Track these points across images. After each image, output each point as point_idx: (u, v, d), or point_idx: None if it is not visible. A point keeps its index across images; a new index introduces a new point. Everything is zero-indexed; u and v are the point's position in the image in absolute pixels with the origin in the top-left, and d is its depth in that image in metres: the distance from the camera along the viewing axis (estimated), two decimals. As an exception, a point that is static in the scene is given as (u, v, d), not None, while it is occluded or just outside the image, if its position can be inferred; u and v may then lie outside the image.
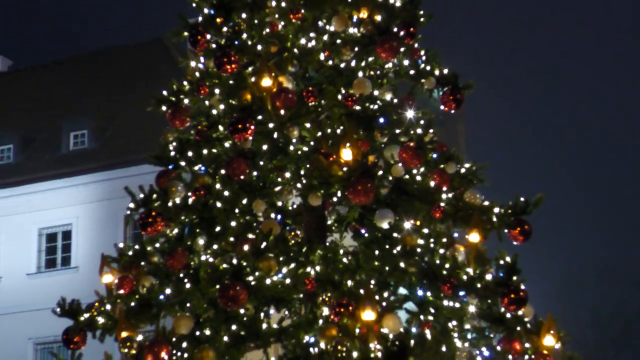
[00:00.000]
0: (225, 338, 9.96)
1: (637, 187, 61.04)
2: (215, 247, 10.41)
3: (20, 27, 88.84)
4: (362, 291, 9.59)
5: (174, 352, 9.85)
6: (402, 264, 10.14)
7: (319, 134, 10.60)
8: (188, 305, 10.12)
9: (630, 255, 54.23)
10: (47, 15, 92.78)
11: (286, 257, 10.22)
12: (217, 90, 11.08)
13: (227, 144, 10.69)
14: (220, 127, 10.87)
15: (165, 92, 11.25)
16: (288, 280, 9.93)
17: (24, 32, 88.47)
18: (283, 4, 11.09)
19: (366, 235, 10.81)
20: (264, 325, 10.16)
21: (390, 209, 10.27)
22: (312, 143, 10.59)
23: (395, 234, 10.34)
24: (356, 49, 10.96)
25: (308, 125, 10.69)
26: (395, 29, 10.75)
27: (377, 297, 9.61)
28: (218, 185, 10.52)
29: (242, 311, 9.89)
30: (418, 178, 10.45)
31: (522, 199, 10.55)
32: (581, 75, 74.53)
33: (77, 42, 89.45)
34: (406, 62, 11.13)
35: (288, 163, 10.65)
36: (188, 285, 10.16)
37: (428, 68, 11.07)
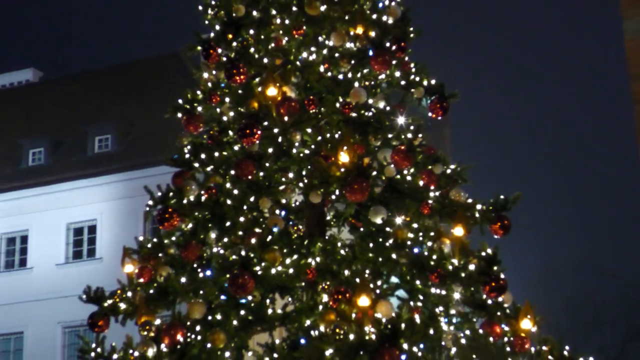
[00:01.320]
0: (235, 322, 9.96)
1: (606, 187, 61.05)
2: (225, 240, 10.41)
3: (50, 42, 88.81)
4: (357, 280, 9.59)
5: (189, 334, 9.86)
6: (394, 256, 10.16)
7: (319, 138, 10.61)
8: (201, 292, 10.13)
9: (598, 248, 54.35)
10: (74, 31, 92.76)
11: (289, 249, 10.23)
12: (227, 99, 11.09)
13: (236, 147, 10.70)
14: (230, 132, 10.88)
15: (180, 101, 11.24)
16: (291, 270, 9.95)
17: (54, 47, 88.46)
18: (287, 22, 11.10)
19: (361, 229, 10.83)
20: (270, 311, 10.16)
21: (383, 205, 10.28)
22: (312, 146, 10.60)
23: (387, 228, 10.37)
24: (352, 61, 10.96)
25: (309, 130, 10.71)
26: (387, 44, 10.76)
27: (371, 285, 9.60)
28: (228, 185, 10.52)
29: (249, 298, 9.91)
30: (408, 178, 10.47)
31: (501, 197, 10.56)
32: (553, 77, 74.46)
33: (102, 55, 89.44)
34: (397, 74, 11.13)
35: (291, 164, 10.66)
36: (201, 275, 10.18)
37: (417, 79, 11.07)
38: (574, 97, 72.70)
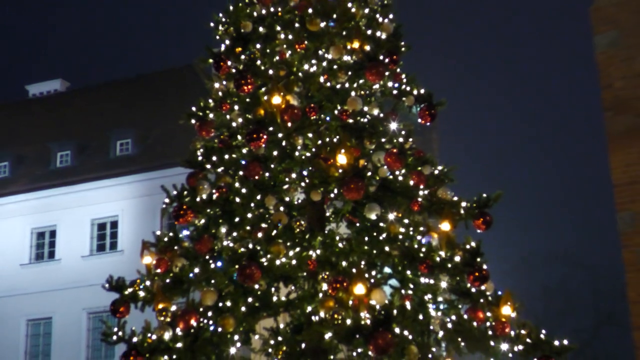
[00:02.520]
0: (243, 308, 9.93)
1: (578, 185, 61.13)
2: (234, 234, 10.40)
3: (76, 55, 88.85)
4: (354, 270, 9.58)
5: (201, 319, 9.86)
6: (387, 248, 10.15)
7: (319, 142, 10.59)
8: (212, 281, 10.11)
9: (571, 241, 54.39)
10: (99, 46, 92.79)
11: (292, 242, 10.22)
12: (236, 107, 11.09)
13: (244, 150, 10.68)
14: (239, 137, 10.87)
15: (194, 108, 11.23)
16: (294, 262, 9.93)
17: (80, 60, 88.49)
18: (290, 37, 11.09)
19: (358, 224, 10.81)
20: (274, 298, 10.15)
21: (377, 203, 10.27)
22: (313, 149, 10.60)
23: (381, 224, 10.36)
24: (349, 73, 10.97)
25: (310, 135, 10.70)
26: (381, 57, 10.75)
27: (366, 275, 9.60)
28: (237, 184, 10.50)
29: (256, 286, 9.88)
30: (400, 178, 10.45)
31: (484, 195, 10.57)
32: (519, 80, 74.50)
33: (123, 67, 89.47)
34: (390, 84, 11.13)
35: (294, 166, 10.65)
36: (212, 265, 10.16)
37: (408, 88, 11.07)
38: (550, 103, 72.74)
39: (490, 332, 9.89)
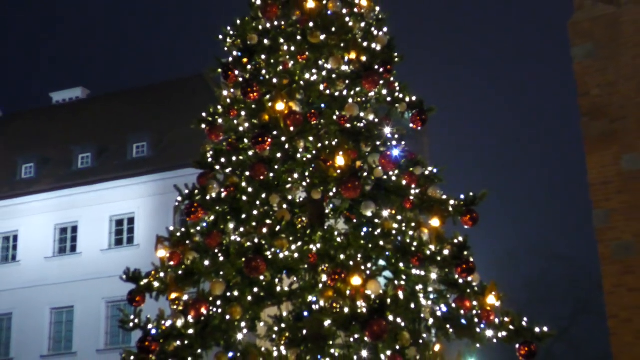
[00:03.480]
0: (249, 298, 9.92)
1: (557, 183, 61.18)
2: (241, 229, 10.39)
3: (96, 65, 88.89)
4: (351, 263, 9.57)
5: (211, 308, 9.85)
6: (381, 243, 10.13)
7: (319, 145, 10.58)
8: (221, 273, 10.10)
9: (551, 235, 54.43)
10: (117, 56, 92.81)
11: (294, 237, 10.20)
12: (243, 113, 11.07)
13: (250, 153, 10.67)
14: (245, 140, 10.85)
15: (204, 114, 11.22)
16: (296, 255, 9.92)
17: (100, 69, 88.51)
18: (292, 48, 11.07)
19: (354, 221, 10.80)
20: (278, 288, 10.13)
21: (373, 201, 10.26)
22: (314, 152, 10.57)
23: (376, 220, 10.35)
24: (347, 81, 10.95)
25: (311, 138, 10.68)
26: (376, 67, 10.74)
27: (362, 267, 9.59)
28: (244, 184, 10.50)
29: (261, 278, 9.87)
30: (393, 178, 10.45)
31: (471, 194, 10.56)
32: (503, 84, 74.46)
33: (139, 75, 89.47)
34: (384, 92, 11.11)
35: (296, 167, 10.64)
36: (221, 258, 10.15)
37: (401, 96, 11.05)
38: (534, 109, 72.72)
39: (476, 320, 9.89)
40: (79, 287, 29.01)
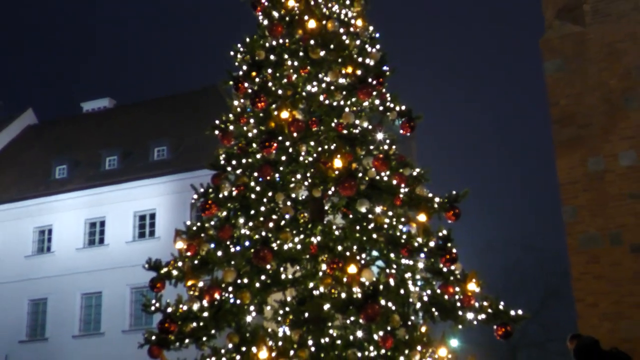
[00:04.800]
0: (257, 284, 9.93)
1: (530, 181, 61.18)
2: (250, 224, 10.39)
3: (122, 77, 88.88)
4: (348, 253, 9.57)
5: (223, 293, 9.84)
6: (374, 235, 10.12)
7: (319, 149, 10.58)
8: (232, 262, 10.11)
9: (524, 228, 54.42)
10: (140, 69, 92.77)
11: (297, 231, 10.20)
12: (251, 120, 11.06)
13: (258, 156, 10.67)
14: (254, 145, 10.85)
15: (217, 122, 11.22)
16: (299, 246, 9.92)
17: (125, 81, 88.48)
18: (295, 63, 11.07)
19: (351, 216, 10.78)
20: (283, 276, 10.14)
21: (367, 198, 10.25)
22: (314, 155, 10.57)
23: (370, 215, 10.34)
24: (344, 92, 10.94)
25: (312, 143, 10.67)
26: (370, 80, 10.73)
27: (358, 258, 9.58)
28: (252, 183, 10.50)
29: (268, 267, 9.87)
30: (385, 178, 10.43)
31: (454, 192, 10.55)
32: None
33: (160, 87, 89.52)
34: (377, 102, 11.10)
35: (299, 168, 10.63)
36: (232, 249, 10.15)
37: (392, 105, 11.04)
38: (510, 116, 72.59)
39: (458, 304, 9.88)
40: (107, 274, 29.00)
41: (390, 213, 10.44)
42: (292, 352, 9.22)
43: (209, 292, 9.80)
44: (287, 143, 10.44)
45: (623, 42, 14.92)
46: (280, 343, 9.41)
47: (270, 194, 10.41)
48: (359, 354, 9.27)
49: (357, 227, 10.28)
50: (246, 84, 10.98)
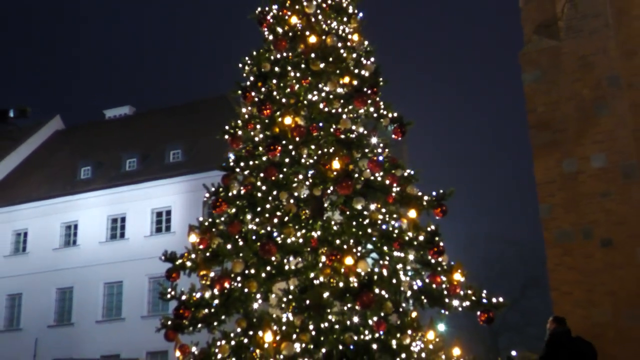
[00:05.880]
0: (263, 275, 9.92)
1: (510, 180, 61.14)
2: (257, 220, 10.37)
3: (141, 87, 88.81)
4: (345, 246, 9.57)
5: (232, 283, 9.84)
6: (369, 230, 10.11)
7: (319, 152, 10.57)
8: (240, 254, 10.10)
9: (506, 223, 54.43)
10: (157, 80, 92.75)
11: (299, 226, 10.18)
12: (258, 126, 11.05)
13: (264, 158, 10.66)
14: (260, 148, 10.84)
15: (227, 127, 11.21)
16: (301, 240, 9.90)
17: (144, 90, 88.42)
18: (298, 74, 11.07)
19: (348, 213, 10.77)
20: (286, 267, 10.14)
21: (362, 197, 10.25)
22: (315, 157, 10.56)
23: (365, 212, 10.32)
24: (342, 101, 10.94)
25: (313, 146, 10.66)
26: (365, 89, 10.73)
27: (354, 250, 9.58)
28: (259, 183, 10.48)
29: (273, 259, 9.87)
30: (379, 178, 10.43)
31: (441, 191, 10.54)
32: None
33: (175, 95, 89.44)
34: (372, 109, 11.09)
35: (301, 169, 10.62)
36: (241, 243, 10.14)
37: (385, 112, 11.03)
38: (492, 122, 72.63)
39: (445, 292, 9.88)
40: (127, 266, 29.01)
41: (383, 210, 10.43)
42: (294, 336, 9.22)
43: (219, 282, 9.80)
44: (290, 146, 10.44)
45: (594, 55, 14.94)
46: (284, 327, 9.40)
47: (275, 192, 10.40)
48: (355, 338, 9.26)
49: (354, 223, 10.27)
50: (253, 93, 10.98)
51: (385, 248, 10.26)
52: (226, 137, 11.15)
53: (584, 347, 9.08)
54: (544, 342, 9.35)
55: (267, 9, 11.60)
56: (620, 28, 15.40)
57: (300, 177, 10.57)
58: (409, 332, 9.48)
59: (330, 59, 10.94)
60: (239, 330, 9.80)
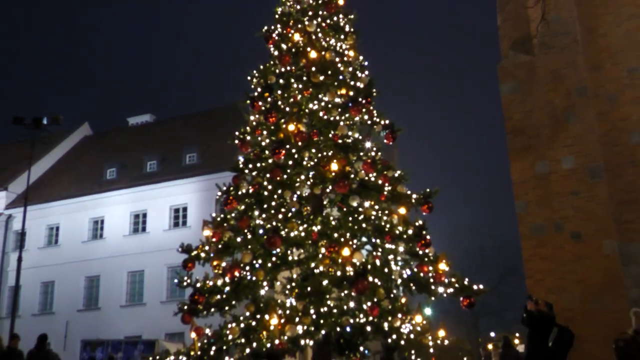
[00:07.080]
0: (269, 264, 9.92)
1: (491, 180, 61.17)
2: (264, 216, 10.38)
3: (161, 96, 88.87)
4: (342, 239, 9.57)
5: (242, 272, 9.84)
6: (364, 225, 10.11)
7: (319, 155, 10.57)
8: (249, 247, 10.10)
9: (486, 218, 54.49)
10: (175, 91, 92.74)
11: (301, 221, 10.20)
12: (264, 132, 11.06)
13: (270, 161, 10.66)
14: (266, 152, 10.85)
15: (237, 133, 11.22)
16: (303, 234, 9.91)
17: (163, 99, 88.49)
18: (300, 86, 11.07)
19: (344, 209, 10.78)
20: (290, 258, 10.14)
21: (358, 195, 10.25)
22: (315, 160, 10.57)
23: (360, 209, 10.32)
24: (339, 109, 10.94)
25: (313, 150, 10.67)
26: (360, 99, 10.73)
27: (350, 243, 9.58)
28: (265, 183, 10.49)
29: (278, 250, 9.87)
30: (372, 179, 10.43)
31: (428, 190, 10.55)
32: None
33: (191, 105, 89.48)
34: (366, 117, 11.10)
35: (303, 171, 10.62)
36: (249, 236, 10.14)
37: (378, 120, 11.04)
38: (476, 127, 72.62)
39: (431, 280, 9.88)
40: (148, 256, 29.00)
41: (376, 207, 10.43)
42: (297, 319, 9.22)
43: (230, 271, 9.81)
44: (294, 150, 10.44)
45: (565, 69, 14.96)
46: (287, 312, 9.41)
47: (279, 191, 10.40)
48: (352, 321, 9.27)
49: (350, 218, 10.28)
50: (260, 103, 10.99)
51: (378, 241, 10.27)
52: (236, 141, 11.16)
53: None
54: (545, 319, 9.43)
55: (272, 27, 11.61)
56: (588, 45, 15.43)
57: (302, 177, 10.57)
58: (399, 315, 9.48)
59: (329, 72, 10.95)
60: (247, 314, 9.81)
